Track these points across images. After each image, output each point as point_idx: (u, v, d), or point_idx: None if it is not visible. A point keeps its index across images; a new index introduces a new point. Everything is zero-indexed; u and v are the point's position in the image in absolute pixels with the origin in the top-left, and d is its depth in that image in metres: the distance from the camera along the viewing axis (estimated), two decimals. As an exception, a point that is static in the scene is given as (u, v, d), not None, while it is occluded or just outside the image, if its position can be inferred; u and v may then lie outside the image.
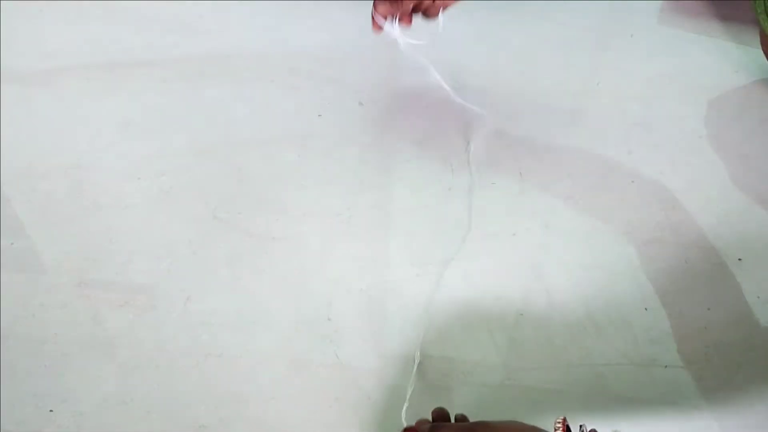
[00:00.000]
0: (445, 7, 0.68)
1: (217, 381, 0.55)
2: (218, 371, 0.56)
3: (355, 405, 0.53)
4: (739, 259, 0.62)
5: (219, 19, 0.88)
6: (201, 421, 0.53)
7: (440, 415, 0.49)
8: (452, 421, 0.49)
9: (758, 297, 0.59)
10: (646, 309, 0.59)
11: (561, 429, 0.42)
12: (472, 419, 0.49)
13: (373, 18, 0.67)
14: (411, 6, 0.66)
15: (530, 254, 0.62)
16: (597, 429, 0.43)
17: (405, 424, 0.50)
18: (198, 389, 0.55)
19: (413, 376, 0.54)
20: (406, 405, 0.51)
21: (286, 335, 0.58)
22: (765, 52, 0.70)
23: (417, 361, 0.55)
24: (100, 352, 0.57)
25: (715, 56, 0.70)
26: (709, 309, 0.58)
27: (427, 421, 0.49)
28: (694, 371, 0.55)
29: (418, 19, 0.69)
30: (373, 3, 0.66)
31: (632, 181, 0.68)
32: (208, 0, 0.89)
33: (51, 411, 0.53)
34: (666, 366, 0.55)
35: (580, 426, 0.44)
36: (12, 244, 0.65)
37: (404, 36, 0.67)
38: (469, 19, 0.87)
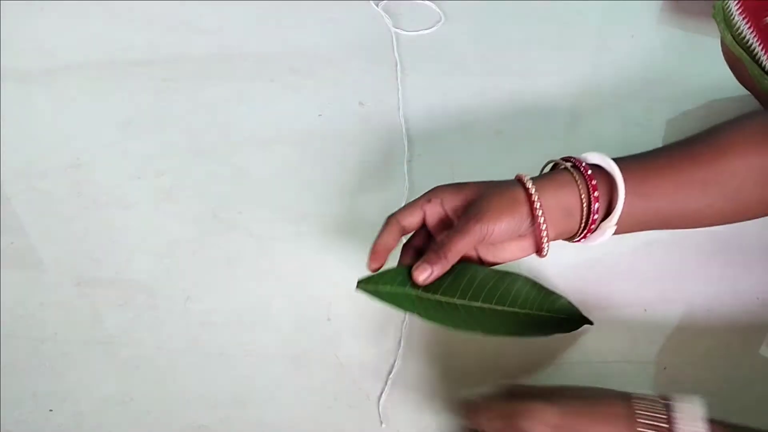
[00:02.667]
0: None
1: (217, 381, 0.55)
2: (218, 371, 0.56)
3: (355, 405, 0.53)
4: (739, 260, 0.62)
5: (219, 19, 0.87)
6: (201, 421, 0.53)
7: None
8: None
9: (758, 298, 0.59)
10: (645, 310, 0.59)
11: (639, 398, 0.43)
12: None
13: None
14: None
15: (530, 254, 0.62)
16: None
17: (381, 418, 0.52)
18: (198, 389, 0.55)
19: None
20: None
21: (286, 335, 0.58)
22: (726, 61, 0.69)
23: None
24: (100, 351, 0.57)
25: (716, 56, 0.70)
26: (709, 310, 0.58)
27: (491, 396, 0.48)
28: (694, 372, 0.55)
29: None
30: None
31: (632, 182, 0.68)
32: (208, 0, 0.89)
33: (51, 411, 0.53)
34: (665, 368, 0.55)
35: None
36: (12, 243, 0.65)
37: None
38: (469, 18, 0.87)
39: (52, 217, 0.67)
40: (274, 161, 0.71)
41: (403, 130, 0.73)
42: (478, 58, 0.82)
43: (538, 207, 0.50)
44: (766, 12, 0.61)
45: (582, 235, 0.53)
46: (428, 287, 0.52)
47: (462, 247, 0.50)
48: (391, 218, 0.52)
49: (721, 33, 0.67)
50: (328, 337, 0.57)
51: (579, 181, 0.51)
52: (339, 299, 0.59)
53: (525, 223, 0.51)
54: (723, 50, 0.69)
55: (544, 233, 0.51)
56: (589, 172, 0.51)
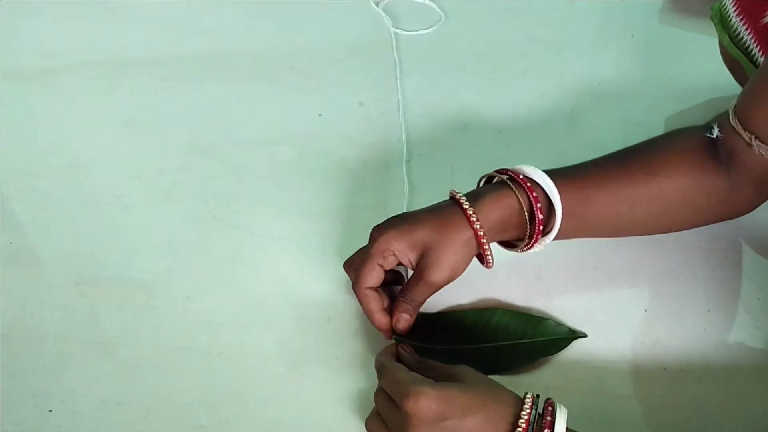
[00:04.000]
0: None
1: (217, 381, 0.55)
2: (218, 371, 0.56)
3: (355, 405, 0.53)
4: (739, 261, 0.62)
5: (219, 19, 0.88)
6: (201, 421, 0.53)
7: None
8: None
9: (758, 299, 0.59)
10: (645, 310, 0.59)
11: (529, 403, 0.45)
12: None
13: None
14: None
15: (530, 254, 0.62)
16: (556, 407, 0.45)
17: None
18: (198, 389, 0.55)
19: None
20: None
21: (286, 335, 0.58)
22: (725, 62, 0.69)
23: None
24: (99, 351, 0.57)
25: (715, 56, 0.70)
26: (709, 311, 0.58)
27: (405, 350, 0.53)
28: (694, 373, 0.55)
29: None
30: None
31: (632, 182, 0.68)
32: (208, 0, 0.89)
33: (50, 411, 0.53)
34: (665, 368, 0.55)
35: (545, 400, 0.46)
36: (11, 243, 0.65)
37: None
38: (469, 18, 0.87)
39: (52, 217, 0.67)
40: (274, 161, 0.71)
41: (403, 130, 0.73)
42: (478, 58, 0.82)
43: (486, 246, 0.53)
44: (763, 13, 0.61)
45: (527, 246, 0.55)
46: (412, 339, 0.54)
47: (428, 295, 0.53)
48: (364, 291, 0.53)
49: (718, 35, 0.67)
50: (328, 337, 0.57)
51: (521, 197, 0.53)
52: (339, 299, 0.59)
53: (474, 251, 0.53)
54: (721, 52, 0.69)
55: (490, 258, 0.54)
56: (528, 184, 0.53)
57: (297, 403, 0.54)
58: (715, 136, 0.55)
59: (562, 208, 0.53)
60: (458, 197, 0.53)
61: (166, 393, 0.54)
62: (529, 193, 0.52)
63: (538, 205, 0.52)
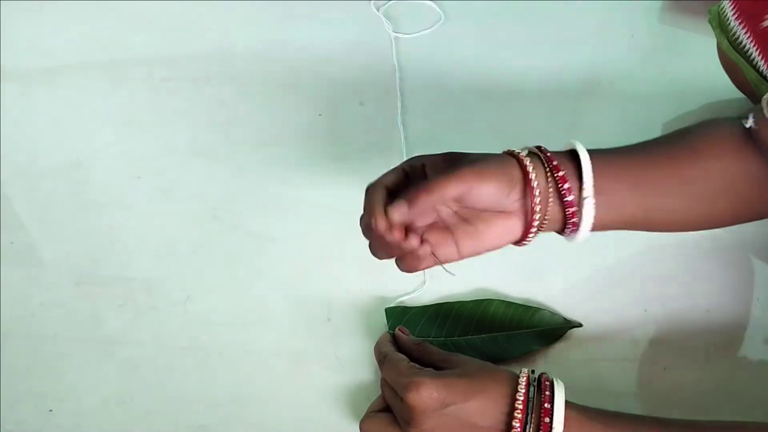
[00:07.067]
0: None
1: (217, 381, 0.55)
2: (218, 371, 0.56)
3: (355, 405, 0.53)
4: (740, 261, 0.62)
5: (219, 19, 0.87)
6: (201, 421, 0.53)
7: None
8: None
9: (758, 299, 0.59)
10: (645, 310, 0.59)
11: (525, 381, 0.46)
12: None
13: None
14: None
15: (530, 255, 0.62)
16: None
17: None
18: (198, 389, 0.55)
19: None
20: None
21: (286, 335, 0.58)
22: (723, 66, 0.69)
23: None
24: (100, 351, 0.57)
25: (716, 57, 0.70)
26: (708, 311, 0.58)
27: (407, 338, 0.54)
28: (694, 373, 0.55)
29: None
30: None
31: (632, 182, 0.68)
32: (208, 0, 0.89)
33: (50, 411, 0.54)
34: (665, 368, 0.55)
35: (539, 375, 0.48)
36: (12, 243, 0.65)
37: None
38: (469, 18, 0.87)
39: (52, 216, 0.67)
40: (274, 161, 0.71)
41: (402, 131, 0.73)
42: (478, 58, 0.82)
43: (531, 170, 0.47)
44: (763, 16, 0.61)
45: (569, 220, 0.48)
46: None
47: (444, 188, 0.45)
48: (373, 185, 0.50)
49: (717, 38, 0.66)
50: (328, 337, 0.57)
51: (545, 164, 0.49)
52: (339, 299, 0.60)
53: (514, 190, 0.47)
54: (719, 55, 0.69)
55: (538, 200, 0.47)
56: (549, 153, 0.49)
57: (297, 403, 0.54)
58: (749, 126, 0.53)
59: (610, 179, 0.50)
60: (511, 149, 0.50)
61: (167, 392, 0.54)
62: (550, 162, 0.49)
63: (560, 173, 0.49)
